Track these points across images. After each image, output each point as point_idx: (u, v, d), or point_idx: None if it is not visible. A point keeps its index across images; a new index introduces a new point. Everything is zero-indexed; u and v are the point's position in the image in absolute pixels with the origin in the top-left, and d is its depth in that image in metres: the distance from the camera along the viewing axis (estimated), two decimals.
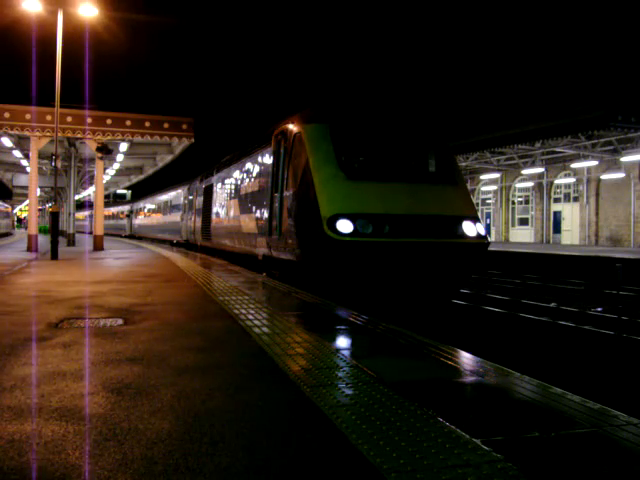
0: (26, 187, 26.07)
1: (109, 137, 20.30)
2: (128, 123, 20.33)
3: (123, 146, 22.96)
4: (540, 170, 32.74)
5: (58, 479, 2.14)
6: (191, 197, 23.34)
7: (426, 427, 2.70)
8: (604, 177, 29.64)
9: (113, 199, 69.30)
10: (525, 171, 33.17)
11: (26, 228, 42.63)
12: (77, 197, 31.50)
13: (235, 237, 14.61)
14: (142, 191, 49.83)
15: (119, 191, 65.12)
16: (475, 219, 9.11)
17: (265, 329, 5.12)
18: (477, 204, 38.30)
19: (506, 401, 3.20)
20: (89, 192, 46.88)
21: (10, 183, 35.96)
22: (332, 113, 9.75)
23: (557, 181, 33.09)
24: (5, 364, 3.84)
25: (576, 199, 31.90)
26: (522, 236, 35.75)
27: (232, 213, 15.13)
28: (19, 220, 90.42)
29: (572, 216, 32.16)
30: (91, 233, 35.93)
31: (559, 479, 2.21)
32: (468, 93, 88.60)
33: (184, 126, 20.95)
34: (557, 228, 33.27)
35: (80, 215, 61.55)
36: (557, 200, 33.49)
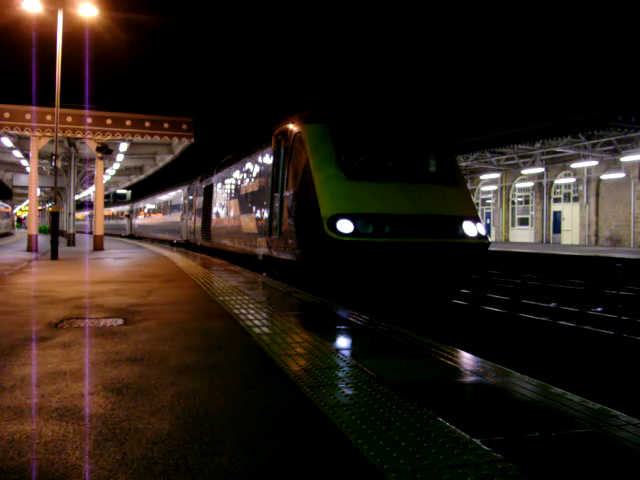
0: (26, 187, 26.05)
1: (109, 137, 20.30)
2: (128, 123, 20.33)
3: (123, 146, 22.95)
4: (540, 170, 32.73)
5: (58, 479, 2.14)
6: (191, 197, 23.34)
7: (426, 427, 2.70)
8: (604, 177, 29.63)
9: (113, 199, 69.25)
10: (525, 171, 33.16)
11: (26, 228, 42.59)
12: (77, 197, 31.50)
13: (235, 237, 14.61)
14: (142, 191, 49.82)
15: (119, 191, 65.11)
16: (475, 219, 9.11)
17: (265, 329, 5.12)
18: (477, 204, 38.28)
19: (506, 401, 3.20)
20: (89, 192, 46.88)
21: (10, 183, 35.92)
22: (332, 113, 9.75)
23: (557, 181, 33.09)
24: (5, 364, 3.84)
25: (576, 199, 31.89)
26: (522, 236, 35.74)
27: (232, 213, 15.13)
28: (19, 220, 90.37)
29: (572, 216, 32.15)
30: (91, 233, 35.93)
31: (559, 479, 2.21)
32: (468, 93, 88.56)
33: (184, 126, 20.95)
34: (557, 228, 33.26)
35: (80, 215, 61.53)
36: (557, 200, 33.47)
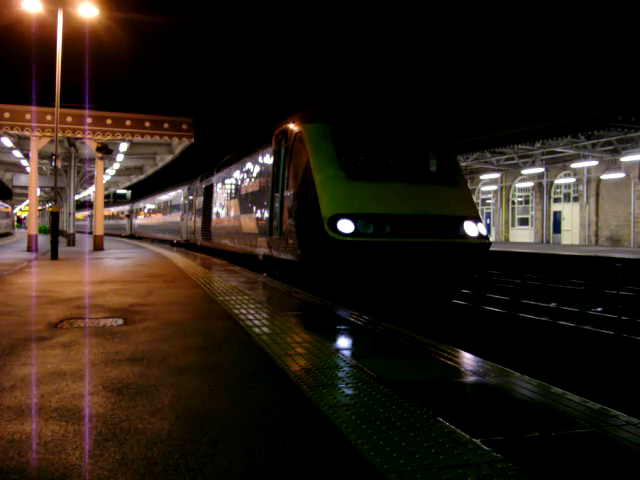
0: (26, 187, 26.05)
1: (109, 137, 20.30)
2: (128, 123, 20.33)
3: (123, 146, 22.95)
4: (540, 170, 32.73)
5: (58, 479, 2.14)
6: (191, 197, 23.34)
7: (426, 427, 2.69)
8: (604, 177, 29.62)
9: (113, 199, 69.16)
10: (525, 171, 33.16)
11: (26, 228, 42.60)
12: (77, 197, 31.50)
13: (235, 237, 14.61)
14: (142, 191, 49.75)
15: (119, 191, 64.97)
16: (476, 219, 9.11)
17: (265, 329, 5.12)
18: (477, 204, 38.26)
19: (506, 401, 3.20)
20: (89, 192, 46.88)
21: (10, 183, 35.92)
22: (333, 113, 9.75)
23: (557, 181, 33.08)
24: (5, 364, 3.84)
25: (576, 199, 31.89)
26: (522, 236, 35.74)
27: (232, 213, 15.13)
28: (19, 220, 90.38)
29: (572, 216, 32.15)
30: (91, 233, 35.94)
31: (559, 479, 2.21)
32: (469, 93, 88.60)
33: (184, 126, 20.95)
34: (557, 228, 33.26)
35: (80, 215, 61.51)
36: (557, 200, 33.47)
